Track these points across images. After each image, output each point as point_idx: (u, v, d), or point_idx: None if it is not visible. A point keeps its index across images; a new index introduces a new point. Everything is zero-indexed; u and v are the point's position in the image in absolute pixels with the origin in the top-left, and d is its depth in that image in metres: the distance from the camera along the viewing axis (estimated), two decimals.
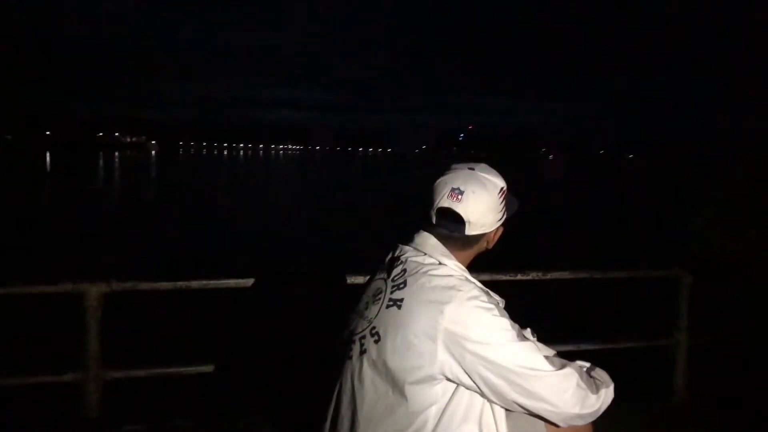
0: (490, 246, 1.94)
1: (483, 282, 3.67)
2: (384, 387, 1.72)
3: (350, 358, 1.81)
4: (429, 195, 1.87)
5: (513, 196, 1.99)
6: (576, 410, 1.69)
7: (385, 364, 1.72)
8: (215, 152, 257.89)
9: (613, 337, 4.11)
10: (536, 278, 3.85)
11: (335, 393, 1.86)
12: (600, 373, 1.86)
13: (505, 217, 1.91)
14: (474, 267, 3.67)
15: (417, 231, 1.90)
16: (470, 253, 1.90)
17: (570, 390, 1.68)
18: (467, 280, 1.79)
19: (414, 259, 1.83)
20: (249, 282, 3.43)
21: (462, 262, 1.87)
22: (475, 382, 1.69)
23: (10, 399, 3.69)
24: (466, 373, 1.68)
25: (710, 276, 3.73)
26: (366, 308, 1.85)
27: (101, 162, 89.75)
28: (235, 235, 17.72)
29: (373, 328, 1.78)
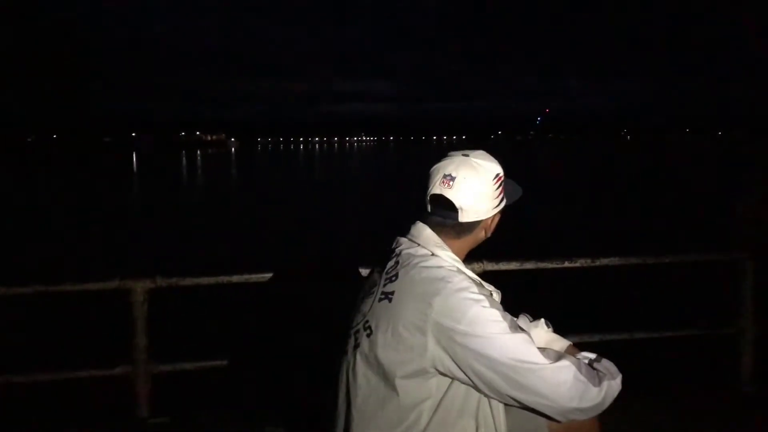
0: (489, 234, 1.88)
1: (527, 271, 3.65)
2: (376, 381, 1.70)
3: (346, 352, 1.81)
4: (424, 183, 1.84)
5: (514, 183, 1.93)
6: (574, 404, 1.61)
7: (376, 357, 1.69)
8: (291, 147, 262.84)
9: (669, 325, 3.92)
10: (585, 265, 3.72)
11: (336, 388, 1.85)
12: (606, 365, 1.77)
13: (503, 204, 1.86)
14: (517, 255, 3.63)
15: (413, 221, 1.88)
16: (466, 241, 1.84)
17: (567, 383, 1.60)
18: (458, 271, 1.73)
19: (408, 250, 1.81)
20: (285, 274, 3.48)
21: (458, 252, 1.82)
22: (468, 376, 1.64)
23: (63, 393, 3.86)
24: (459, 367, 1.63)
25: (765, 259, 3.50)
26: (362, 302, 1.83)
27: (184, 161, 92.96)
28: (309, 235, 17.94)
29: (366, 321, 1.76)
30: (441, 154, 1.88)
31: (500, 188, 1.83)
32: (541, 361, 1.61)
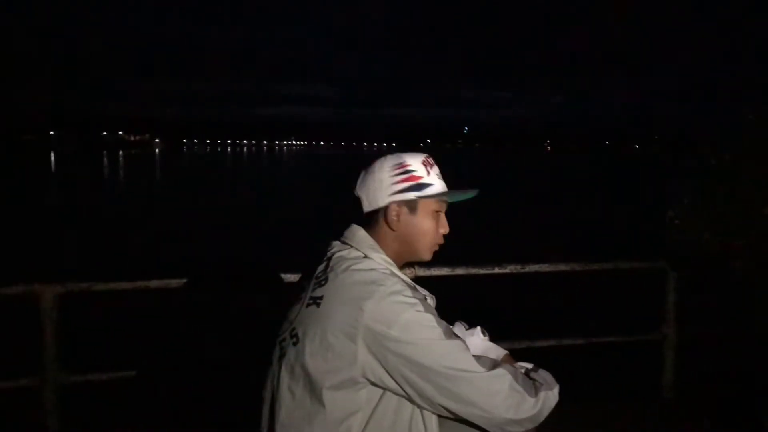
0: (393, 228, 1.75)
1: (458, 277, 3.61)
2: (301, 393, 1.60)
3: (271, 363, 1.70)
4: None
5: (441, 180, 1.81)
6: (509, 415, 1.55)
7: (303, 367, 1.59)
8: (218, 149, 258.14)
9: (596, 331, 3.97)
10: (515, 271, 3.73)
11: (261, 403, 1.74)
12: (543, 375, 1.72)
13: (406, 195, 1.74)
14: (449, 261, 3.60)
15: (349, 225, 1.80)
16: (388, 243, 1.75)
17: (502, 393, 1.54)
18: (392, 274, 1.65)
19: (339, 253, 1.73)
20: (208, 280, 3.33)
21: (394, 256, 1.75)
22: (399, 385, 1.56)
23: None
24: (390, 376, 1.55)
25: (690, 267, 3.60)
26: (290, 309, 1.73)
27: (105, 161, 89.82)
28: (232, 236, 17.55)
29: (293, 329, 1.66)
30: (371, 159, 1.82)
31: (402, 176, 1.74)
32: (476, 370, 1.54)
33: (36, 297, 3.09)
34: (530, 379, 1.67)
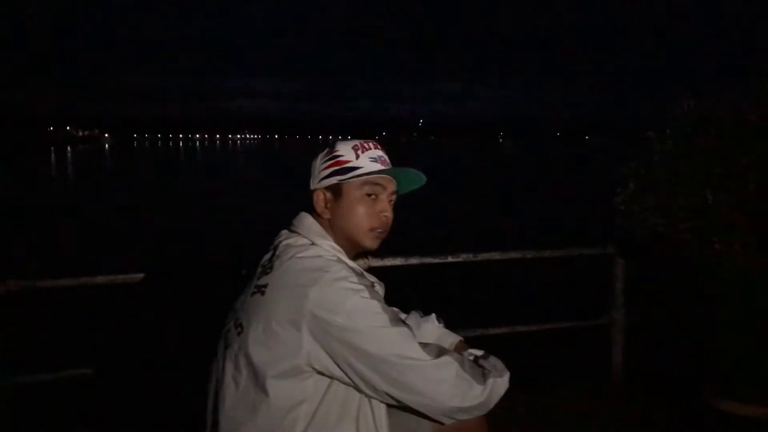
0: (321, 213, 1.77)
1: (412, 267, 3.63)
2: (245, 383, 1.58)
3: (216, 354, 1.68)
4: None
5: (378, 164, 1.78)
6: (455, 403, 1.55)
7: (246, 356, 1.58)
8: (170, 144, 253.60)
9: (548, 318, 4.04)
10: (467, 260, 3.75)
11: (206, 396, 1.72)
12: (493, 362, 1.73)
13: (329, 181, 1.75)
14: (402, 251, 3.61)
15: (298, 213, 1.80)
16: (330, 229, 1.76)
17: (448, 381, 1.55)
18: (338, 261, 1.65)
19: (286, 241, 1.72)
20: (157, 276, 3.26)
21: (340, 244, 1.75)
22: (345, 373, 1.56)
23: None
24: (335, 363, 1.54)
25: (636, 252, 3.69)
26: (236, 300, 1.71)
27: (52, 158, 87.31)
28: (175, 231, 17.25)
29: (237, 319, 1.65)
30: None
31: (329, 162, 1.76)
32: (421, 357, 1.54)
33: None
34: (479, 366, 1.67)
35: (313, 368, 1.55)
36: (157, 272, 3.36)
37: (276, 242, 1.75)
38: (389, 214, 1.79)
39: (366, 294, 1.56)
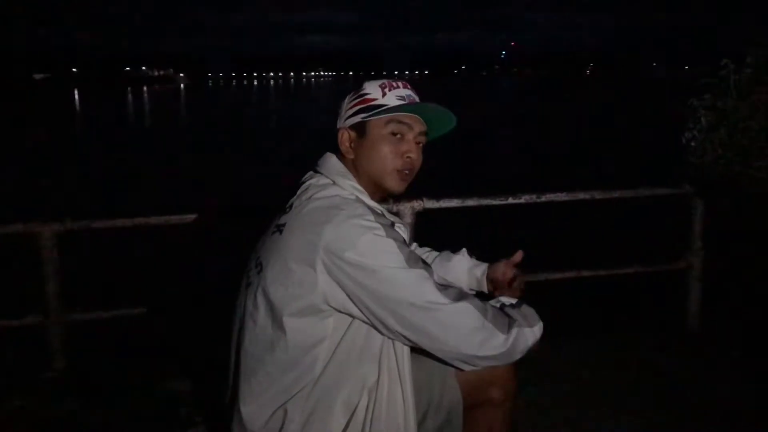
0: (345, 153, 1.76)
1: (469, 209, 3.56)
2: (264, 321, 1.61)
3: (238, 294, 1.71)
4: None
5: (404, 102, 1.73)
6: (472, 350, 1.53)
7: (265, 294, 1.60)
8: (245, 82, 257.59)
9: (617, 262, 3.91)
10: (530, 201, 3.65)
11: (229, 333, 1.77)
12: (524, 310, 1.69)
13: (353, 119, 1.74)
14: (461, 192, 3.54)
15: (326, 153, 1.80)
16: (355, 170, 1.74)
17: (465, 327, 1.52)
18: (357, 200, 1.64)
19: (309, 181, 1.73)
20: (211, 216, 3.33)
21: (365, 185, 1.73)
22: (362, 311, 1.55)
23: None
24: (352, 302, 1.54)
25: (712, 192, 3.48)
26: (259, 240, 1.73)
27: (130, 98, 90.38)
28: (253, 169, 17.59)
29: (258, 258, 1.68)
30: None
31: (356, 101, 1.75)
32: (437, 300, 1.51)
33: (35, 236, 3.15)
34: (505, 314, 1.63)
35: (332, 307, 1.55)
36: (211, 213, 3.44)
37: (302, 181, 1.75)
38: (414, 155, 1.74)
39: (381, 232, 1.53)
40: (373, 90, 1.74)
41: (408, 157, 1.73)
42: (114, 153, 22.57)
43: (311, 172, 1.76)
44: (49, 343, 3.23)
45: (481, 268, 2.03)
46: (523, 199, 3.64)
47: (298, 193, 1.70)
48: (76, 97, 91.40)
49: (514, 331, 1.59)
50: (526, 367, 1.84)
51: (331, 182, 1.69)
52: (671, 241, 3.93)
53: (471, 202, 3.59)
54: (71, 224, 3.19)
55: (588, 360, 3.42)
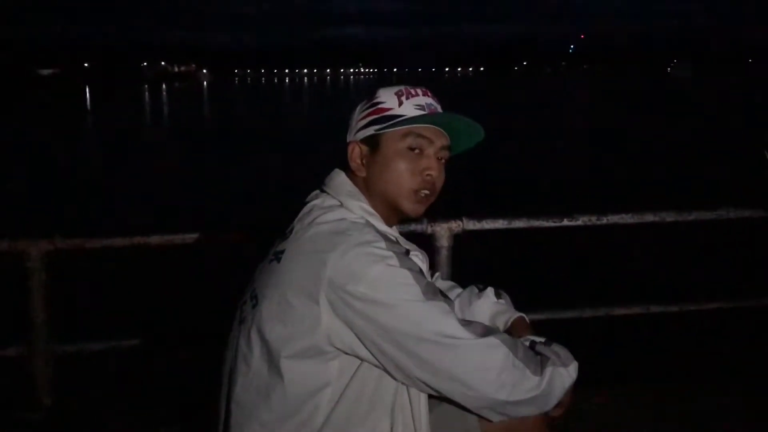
0: (356, 171, 1.74)
1: (517, 231, 3.51)
2: (258, 364, 1.58)
3: (231, 330, 1.70)
4: None
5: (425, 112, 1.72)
6: (502, 395, 1.48)
7: (260, 332, 1.57)
8: (275, 80, 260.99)
9: (694, 296, 3.81)
10: (588, 224, 3.58)
11: (220, 376, 1.75)
12: (557, 349, 1.64)
13: (366, 132, 1.72)
14: (509, 213, 3.50)
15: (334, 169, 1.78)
16: (367, 189, 1.72)
17: (494, 367, 1.47)
18: (366, 224, 1.61)
19: (314, 202, 1.71)
20: (219, 236, 3.36)
21: (377, 206, 1.71)
22: (372, 354, 1.52)
23: None
24: (361, 342, 1.51)
25: None
26: (257, 267, 1.72)
27: (146, 97, 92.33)
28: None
29: (253, 290, 1.66)
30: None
31: (368, 111, 1.73)
32: (460, 336, 1.47)
33: (21, 255, 3.20)
34: (537, 353, 1.59)
35: (337, 348, 1.53)
36: (220, 234, 3.47)
37: (306, 201, 1.73)
38: (435, 173, 1.71)
39: (394, 261, 1.50)
40: (387, 98, 1.72)
41: (428, 175, 1.70)
42: (122, 162, 22.96)
43: (317, 191, 1.75)
44: (33, 377, 3.27)
45: (503, 319, 1.92)
46: (580, 221, 3.58)
47: (300, 215, 1.67)
48: (87, 95, 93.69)
49: (549, 370, 1.55)
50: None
51: (338, 204, 1.66)
52: (761, 273, 3.81)
53: (519, 224, 3.54)
54: (62, 243, 3.24)
55: (647, 413, 3.32)
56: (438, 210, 3.46)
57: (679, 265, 7.19)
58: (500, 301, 1.95)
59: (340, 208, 1.65)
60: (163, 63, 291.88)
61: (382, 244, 1.53)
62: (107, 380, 4.04)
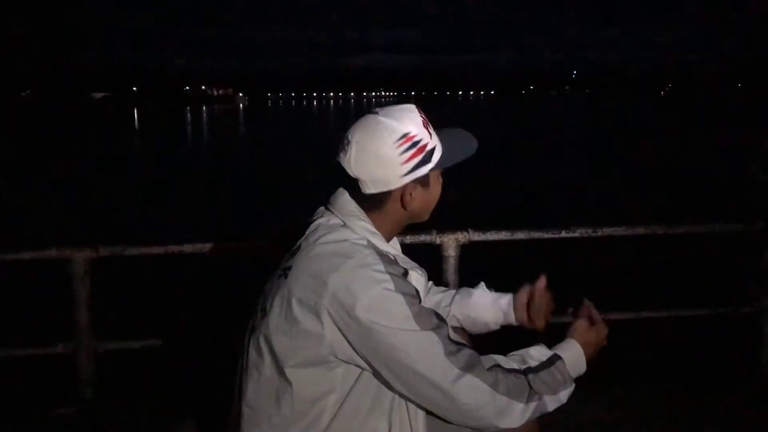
0: (408, 208, 1.65)
1: (518, 242, 3.48)
2: (269, 371, 1.57)
3: (244, 337, 1.69)
4: None
5: (464, 137, 1.73)
6: (487, 423, 1.51)
7: (268, 343, 1.56)
8: (304, 102, 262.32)
9: (681, 303, 3.76)
10: (585, 235, 3.55)
11: (233, 381, 1.74)
12: (553, 372, 1.60)
13: (422, 170, 1.63)
14: (508, 225, 3.47)
15: (338, 188, 1.72)
16: (389, 217, 1.67)
17: (473, 402, 1.48)
18: (368, 245, 1.58)
19: (319, 220, 1.68)
20: (252, 244, 3.36)
21: (381, 226, 1.66)
22: (371, 367, 1.52)
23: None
24: (359, 356, 1.51)
25: None
26: (267, 281, 1.71)
27: (189, 117, 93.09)
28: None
29: (264, 301, 1.64)
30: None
31: (411, 151, 1.60)
32: (446, 372, 1.47)
33: (67, 262, 3.23)
34: (526, 382, 1.56)
35: (339, 358, 1.52)
36: (252, 243, 3.46)
37: (313, 219, 1.71)
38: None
39: (390, 285, 1.49)
40: (421, 133, 1.63)
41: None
42: (164, 177, 23.12)
43: (322, 209, 1.72)
44: (77, 372, 3.29)
45: (506, 299, 1.96)
46: (577, 233, 3.55)
47: (307, 233, 1.65)
48: (135, 116, 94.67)
49: (533, 404, 1.55)
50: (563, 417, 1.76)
51: (342, 223, 1.64)
52: (744, 283, 3.75)
53: (521, 235, 3.52)
54: (104, 251, 3.26)
55: (656, 411, 3.26)
56: (446, 222, 3.47)
57: (669, 275, 7.13)
58: (491, 290, 2.01)
59: (343, 228, 1.62)
60: (203, 87, 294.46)
61: (381, 267, 1.51)
62: (143, 375, 4.06)
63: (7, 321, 5.69)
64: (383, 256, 1.56)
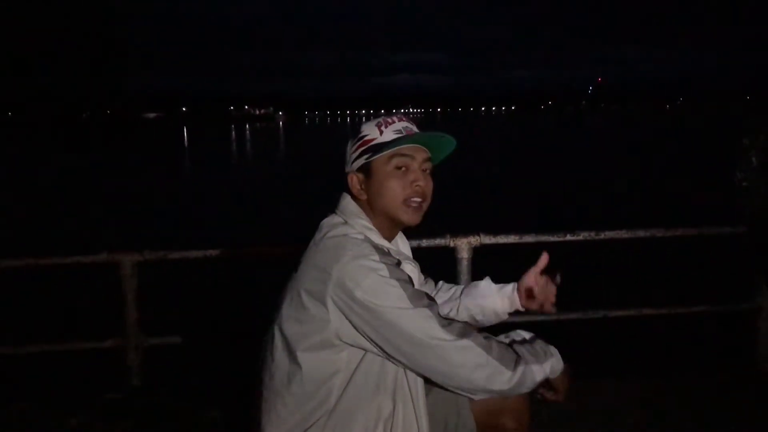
0: (362, 198, 1.74)
1: (526, 244, 3.49)
2: (281, 356, 1.64)
3: (266, 331, 1.75)
4: None
5: (406, 139, 1.72)
6: (480, 385, 1.54)
7: (281, 330, 1.64)
8: (338, 120, 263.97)
9: (681, 301, 3.72)
10: (588, 238, 3.55)
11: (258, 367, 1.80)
12: (537, 347, 1.66)
13: (358, 163, 1.73)
14: (516, 230, 3.48)
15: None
16: (374, 213, 1.73)
17: (470, 363, 1.52)
18: (364, 240, 1.65)
19: (325, 220, 1.75)
20: (283, 249, 3.42)
21: (379, 223, 1.73)
22: (372, 346, 1.58)
23: (55, 365, 3.92)
24: (362, 336, 1.57)
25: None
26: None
27: (233, 135, 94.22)
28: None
29: (282, 293, 1.71)
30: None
31: (357, 145, 1.74)
32: (440, 337, 1.52)
33: (116, 265, 3.32)
34: (513, 351, 1.61)
35: (343, 341, 1.58)
36: (275, 247, 3.52)
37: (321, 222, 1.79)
38: (423, 182, 1.73)
39: (385, 272, 1.55)
40: (370, 130, 1.74)
41: (417, 185, 1.72)
42: (211, 189, 23.41)
43: (331, 213, 1.78)
44: (126, 364, 3.38)
45: (510, 286, 1.98)
46: (581, 236, 3.55)
47: (316, 232, 1.73)
48: (185, 134, 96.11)
49: (521, 369, 1.58)
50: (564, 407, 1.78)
51: (343, 221, 1.71)
52: (741, 282, 3.69)
53: (528, 239, 3.53)
54: (149, 255, 3.35)
55: (655, 405, 3.23)
56: (459, 226, 3.49)
57: (668, 274, 7.04)
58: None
59: (344, 225, 1.69)
60: (246, 107, 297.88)
61: (375, 257, 1.58)
62: (182, 367, 4.13)
63: (61, 318, 5.84)
64: (378, 249, 1.63)
